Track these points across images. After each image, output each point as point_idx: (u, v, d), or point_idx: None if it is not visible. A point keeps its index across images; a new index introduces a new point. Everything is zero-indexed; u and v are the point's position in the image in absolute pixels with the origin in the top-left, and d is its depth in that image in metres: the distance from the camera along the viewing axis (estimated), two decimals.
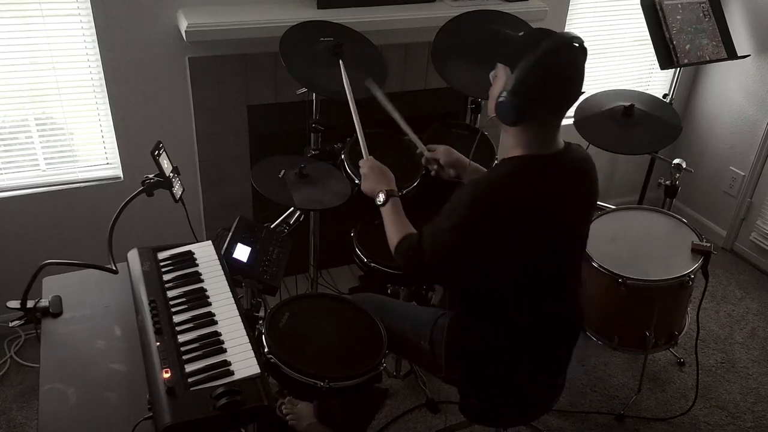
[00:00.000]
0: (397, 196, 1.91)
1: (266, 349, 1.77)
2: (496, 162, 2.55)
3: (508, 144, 1.69)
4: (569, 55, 1.56)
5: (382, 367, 1.83)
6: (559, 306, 1.79)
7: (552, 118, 1.63)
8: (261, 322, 1.89)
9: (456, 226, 1.64)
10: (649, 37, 2.92)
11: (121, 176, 2.63)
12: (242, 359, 1.42)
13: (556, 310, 1.79)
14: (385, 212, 1.88)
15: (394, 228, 1.83)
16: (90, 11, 2.31)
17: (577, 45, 1.57)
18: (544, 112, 1.60)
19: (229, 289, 1.63)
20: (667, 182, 2.81)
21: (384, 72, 2.42)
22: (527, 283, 1.71)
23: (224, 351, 1.45)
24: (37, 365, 2.13)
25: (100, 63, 2.40)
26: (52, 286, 1.71)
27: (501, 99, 1.58)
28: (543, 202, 1.62)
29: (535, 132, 1.63)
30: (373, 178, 1.97)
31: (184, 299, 1.58)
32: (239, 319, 1.54)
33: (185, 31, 2.30)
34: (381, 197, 1.90)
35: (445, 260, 1.69)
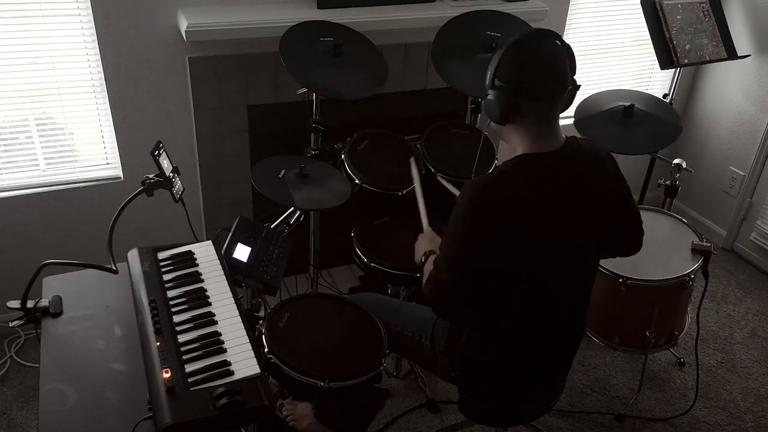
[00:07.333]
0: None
1: (266, 349, 1.77)
2: (495, 163, 2.55)
3: (507, 149, 1.68)
4: (537, 45, 1.56)
5: (382, 367, 1.84)
6: (560, 311, 1.78)
7: (539, 112, 1.59)
8: (261, 322, 1.89)
9: (458, 238, 1.63)
10: (649, 37, 2.92)
11: (121, 176, 2.63)
12: (242, 359, 1.43)
13: (557, 315, 1.77)
14: (425, 269, 1.85)
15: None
16: (90, 11, 2.31)
17: (547, 37, 1.58)
18: (525, 102, 1.57)
19: (229, 289, 1.63)
20: (667, 182, 2.81)
21: (384, 72, 2.42)
22: (525, 286, 1.69)
23: (224, 351, 1.45)
24: (37, 365, 2.13)
25: (100, 63, 2.40)
26: (52, 286, 1.71)
27: (486, 98, 1.61)
28: (532, 202, 1.59)
29: (527, 130, 1.61)
30: (419, 245, 1.97)
31: (184, 299, 1.58)
32: (239, 319, 1.54)
33: (185, 31, 2.30)
34: (422, 260, 1.90)
35: (461, 274, 1.65)
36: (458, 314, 1.79)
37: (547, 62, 1.56)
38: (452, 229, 1.64)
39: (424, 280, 1.80)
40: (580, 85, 1.63)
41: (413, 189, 2.25)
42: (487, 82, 1.61)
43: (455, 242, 1.64)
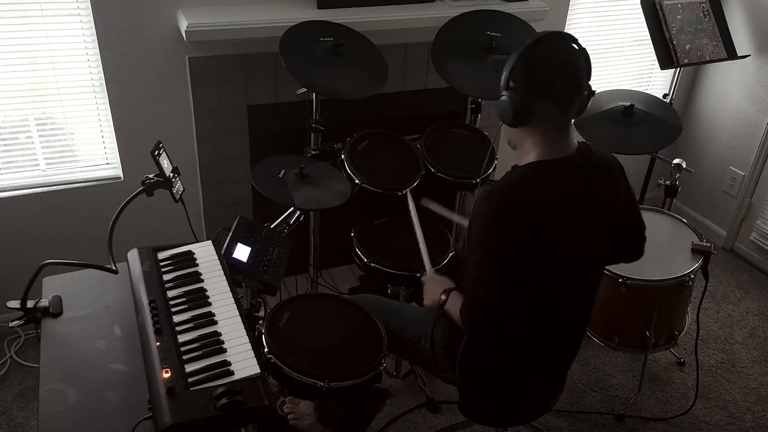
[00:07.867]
0: (456, 289, 1.86)
1: (266, 349, 1.77)
2: (495, 163, 2.55)
3: (517, 155, 1.67)
4: (554, 47, 1.57)
5: (382, 367, 1.84)
6: (565, 315, 1.77)
7: (552, 115, 1.58)
8: (261, 322, 1.89)
9: (483, 255, 1.62)
10: (649, 37, 2.92)
11: (121, 176, 2.63)
12: (242, 359, 1.43)
13: (562, 318, 1.77)
14: (449, 306, 1.84)
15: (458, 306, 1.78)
16: (90, 11, 2.31)
17: (564, 40, 1.58)
18: (538, 104, 1.56)
19: (229, 289, 1.63)
20: (667, 182, 2.81)
21: (384, 72, 2.42)
22: (530, 290, 1.68)
23: (224, 351, 1.45)
24: (37, 365, 2.13)
25: (100, 63, 2.40)
26: (52, 286, 1.71)
27: (499, 99, 1.59)
28: (544, 210, 1.58)
29: (540, 134, 1.60)
30: (432, 288, 1.92)
31: (184, 299, 1.58)
32: (239, 319, 1.54)
33: (185, 31, 2.30)
34: (443, 298, 1.85)
35: (495, 287, 1.65)
36: (492, 326, 1.74)
37: (563, 65, 1.56)
38: (476, 245, 1.62)
39: (459, 317, 1.74)
40: (594, 91, 1.63)
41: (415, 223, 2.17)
42: (502, 83, 1.60)
43: (482, 259, 1.62)
